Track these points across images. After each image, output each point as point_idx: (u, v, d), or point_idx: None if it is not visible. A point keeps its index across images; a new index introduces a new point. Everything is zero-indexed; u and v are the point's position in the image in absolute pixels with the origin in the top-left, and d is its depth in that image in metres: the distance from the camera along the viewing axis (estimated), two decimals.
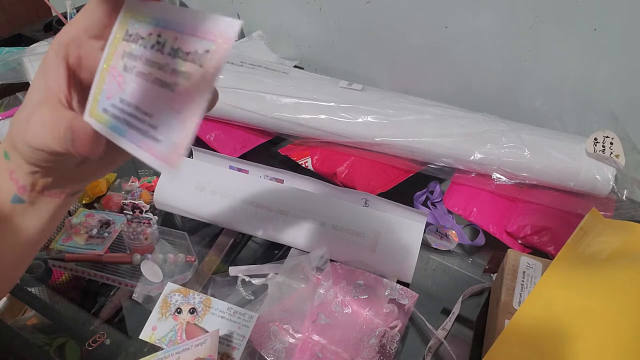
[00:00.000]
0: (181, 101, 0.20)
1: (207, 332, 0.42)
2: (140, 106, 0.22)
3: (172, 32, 0.21)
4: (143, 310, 0.47)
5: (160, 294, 0.46)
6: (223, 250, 0.55)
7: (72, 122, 0.22)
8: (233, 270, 0.51)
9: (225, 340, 0.42)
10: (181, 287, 0.46)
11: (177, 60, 0.21)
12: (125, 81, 0.22)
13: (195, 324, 0.43)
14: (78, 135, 0.22)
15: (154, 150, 0.21)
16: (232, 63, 0.67)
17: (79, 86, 0.25)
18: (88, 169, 0.27)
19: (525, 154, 0.55)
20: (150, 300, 0.48)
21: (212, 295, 0.49)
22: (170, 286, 0.45)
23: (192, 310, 0.44)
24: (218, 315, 0.44)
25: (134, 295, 0.48)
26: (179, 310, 0.44)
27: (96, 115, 0.23)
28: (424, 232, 0.51)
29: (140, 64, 0.22)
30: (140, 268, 0.49)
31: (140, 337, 0.43)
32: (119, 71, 0.22)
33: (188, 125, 0.20)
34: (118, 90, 0.22)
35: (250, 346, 0.44)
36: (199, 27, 0.20)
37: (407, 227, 0.50)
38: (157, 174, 0.61)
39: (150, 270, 0.49)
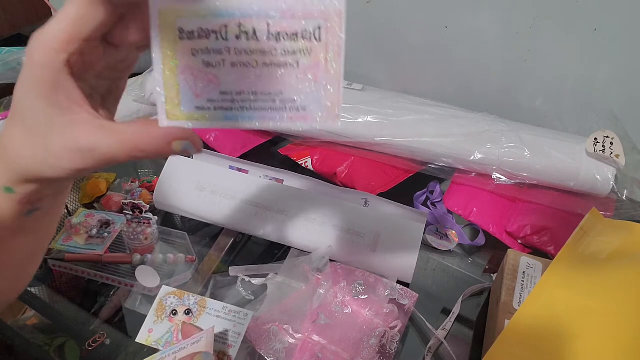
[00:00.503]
0: (314, 73, 0.22)
1: (202, 330, 0.42)
2: (259, 90, 0.23)
3: (258, 19, 0.21)
4: (143, 311, 0.48)
5: (156, 296, 0.46)
6: (223, 250, 0.55)
7: (149, 133, 0.22)
8: (233, 270, 0.51)
9: (221, 339, 0.42)
10: (176, 289, 0.46)
11: (285, 42, 0.22)
12: (217, 75, 0.23)
13: (190, 323, 0.43)
14: (155, 143, 0.22)
15: (305, 116, 0.23)
16: None
17: (92, 89, 0.24)
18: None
19: (526, 154, 0.55)
20: (147, 304, 0.48)
21: (212, 295, 0.49)
22: (165, 289, 0.46)
23: (188, 312, 0.44)
24: (214, 315, 0.44)
25: (126, 304, 0.48)
26: (174, 312, 0.44)
27: (184, 116, 0.23)
28: (424, 232, 0.51)
29: (231, 56, 0.22)
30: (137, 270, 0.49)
31: (137, 340, 0.43)
32: (201, 68, 0.23)
33: (333, 87, 0.22)
34: (211, 86, 0.23)
35: (250, 346, 0.44)
36: (295, 9, 0.21)
37: (407, 227, 0.50)
38: (157, 174, 0.61)
39: (146, 275, 0.49)
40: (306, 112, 0.23)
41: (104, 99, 0.26)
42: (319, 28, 0.21)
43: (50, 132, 0.22)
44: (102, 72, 0.24)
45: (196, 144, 0.23)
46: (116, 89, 0.26)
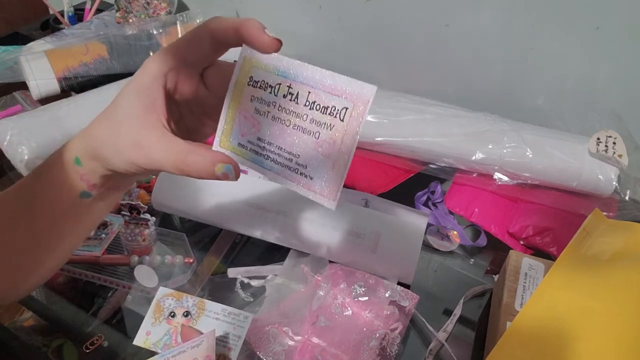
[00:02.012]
0: (328, 148, 0.24)
1: (202, 333, 0.42)
2: (284, 147, 0.26)
3: (304, 86, 0.25)
4: (141, 312, 0.47)
5: (153, 297, 0.46)
6: (222, 252, 0.54)
7: (196, 153, 0.25)
8: (232, 272, 0.51)
9: (221, 342, 0.42)
10: (174, 291, 0.45)
11: (315, 112, 0.24)
12: (260, 123, 0.26)
13: (190, 326, 0.43)
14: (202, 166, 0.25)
15: (309, 186, 0.25)
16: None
17: (174, 107, 0.28)
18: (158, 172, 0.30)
19: (527, 153, 0.55)
20: (146, 305, 0.47)
21: (210, 297, 0.48)
22: (162, 290, 0.45)
23: (186, 314, 0.44)
24: (212, 317, 0.44)
25: (126, 303, 0.48)
26: (172, 314, 0.44)
27: (230, 147, 0.28)
28: (425, 233, 0.51)
29: (275, 110, 0.26)
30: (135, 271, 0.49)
31: (135, 342, 0.43)
32: (251, 113, 0.26)
33: (339, 168, 0.24)
34: (252, 130, 0.27)
35: (249, 348, 0.43)
36: (335, 86, 0.24)
37: (408, 228, 0.50)
38: (155, 175, 0.60)
39: (144, 275, 0.48)
40: (311, 182, 0.25)
41: (189, 131, 0.30)
42: (346, 109, 0.24)
43: (126, 124, 0.26)
44: (190, 104, 0.29)
45: (236, 170, 0.26)
46: (201, 128, 0.31)
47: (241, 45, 0.26)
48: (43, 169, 0.30)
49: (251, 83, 0.26)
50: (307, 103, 0.25)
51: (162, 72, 0.27)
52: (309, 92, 0.24)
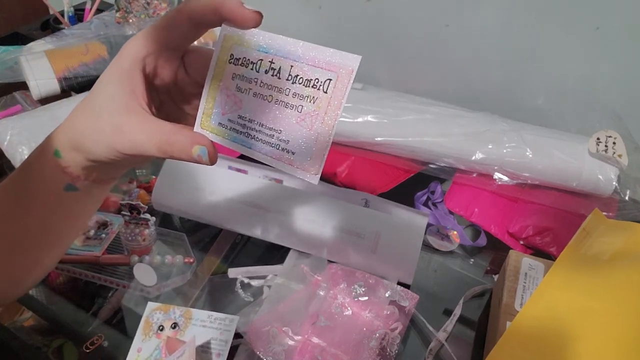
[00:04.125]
0: (311, 121, 0.24)
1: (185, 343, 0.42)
2: (265, 123, 0.25)
3: (286, 60, 0.24)
4: (141, 312, 0.47)
5: (156, 296, 0.46)
6: (222, 252, 0.54)
7: (177, 133, 0.25)
8: (232, 272, 0.51)
9: (208, 348, 0.42)
10: (161, 304, 0.45)
11: (298, 86, 0.24)
12: (242, 100, 0.26)
13: (176, 338, 0.43)
14: (182, 145, 0.25)
15: (291, 161, 0.25)
16: None
17: (154, 93, 0.28)
18: (141, 159, 0.29)
19: (527, 153, 0.55)
20: (146, 305, 0.47)
21: (210, 296, 0.48)
22: (150, 305, 0.45)
23: (174, 325, 0.44)
24: (199, 325, 0.44)
25: (123, 301, 0.48)
26: (161, 327, 0.44)
27: (210, 128, 0.27)
28: (425, 233, 0.51)
29: (256, 86, 0.25)
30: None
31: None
32: (233, 91, 0.26)
33: (322, 141, 0.24)
34: (234, 108, 0.26)
35: (249, 348, 0.43)
36: (318, 58, 0.23)
37: (408, 227, 0.50)
38: (155, 174, 0.60)
39: (143, 273, 0.48)
40: (293, 157, 0.25)
41: (169, 120, 0.29)
42: (330, 80, 0.23)
43: (105, 111, 0.26)
44: (171, 91, 0.29)
45: (211, 154, 0.25)
46: (182, 116, 0.30)
47: (220, 26, 0.26)
48: (27, 164, 0.29)
49: (232, 61, 0.26)
50: (290, 77, 0.24)
51: (141, 56, 0.26)
52: (292, 66, 0.24)
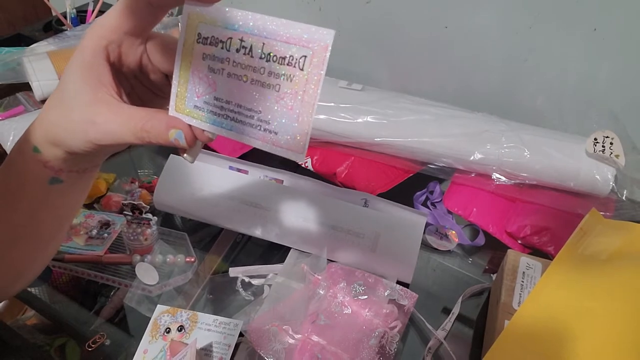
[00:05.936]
0: (290, 99, 0.23)
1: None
2: (243, 104, 0.24)
3: (256, 37, 0.23)
4: (143, 311, 0.48)
5: (157, 296, 0.46)
6: (223, 251, 0.55)
7: (153, 118, 0.25)
8: (233, 271, 0.51)
9: (210, 352, 0.43)
10: (170, 307, 0.46)
11: (272, 64, 0.23)
12: (216, 81, 0.25)
13: (180, 340, 0.43)
14: (157, 130, 0.24)
15: (275, 141, 0.24)
16: None
17: (123, 79, 0.27)
18: (120, 146, 0.29)
19: (525, 154, 0.55)
20: (148, 303, 0.48)
21: (211, 295, 0.49)
22: (159, 308, 0.46)
23: (180, 328, 0.44)
24: (204, 329, 0.44)
25: (125, 300, 0.48)
26: (167, 330, 0.44)
27: (186, 111, 0.26)
28: (424, 233, 0.51)
29: (229, 66, 0.24)
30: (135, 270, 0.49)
31: None
32: (205, 72, 0.25)
33: (304, 120, 0.23)
34: (209, 89, 0.25)
35: (250, 347, 0.44)
36: (290, 35, 0.22)
37: (407, 227, 0.50)
38: (157, 174, 0.61)
39: (145, 272, 0.49)
40: (276, 137, 0.24)
41: (142, 102, 0.29)
42: (305, 57, 0.22)
43: (75, 104, 0.25)
44: (139, 76, 0.28)
45: (187, 136, 0.25)
46: (154, 98, 0.30)
47: (180, 5, 0.25)
48: (9, 162, 0.29)
49: (200, 40, 0.24)
50: (263, 55, 0.23)
51: (102, 45, 0.25)
52: (263, 44, 0.23)
